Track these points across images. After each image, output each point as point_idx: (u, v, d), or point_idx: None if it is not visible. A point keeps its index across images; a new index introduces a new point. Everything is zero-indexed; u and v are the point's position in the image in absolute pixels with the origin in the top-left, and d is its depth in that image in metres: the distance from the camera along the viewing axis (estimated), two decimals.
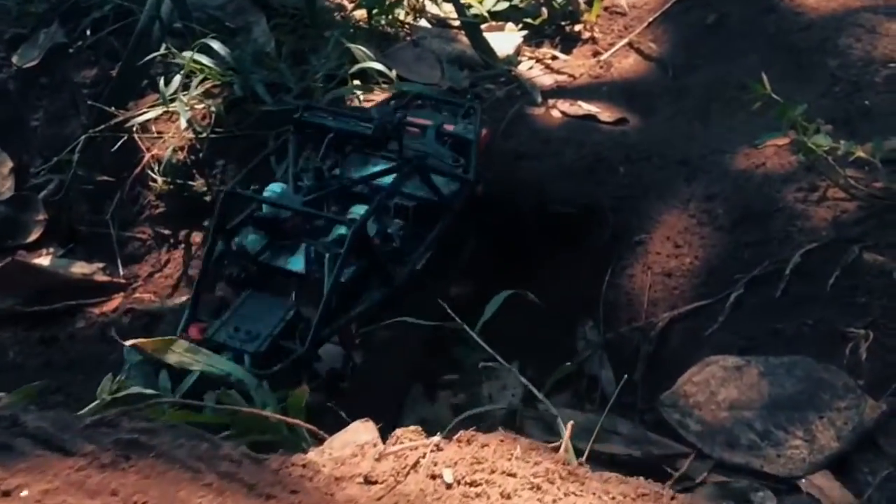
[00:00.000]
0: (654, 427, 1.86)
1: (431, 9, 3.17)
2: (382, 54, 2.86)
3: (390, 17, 3.00)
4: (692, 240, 2.23)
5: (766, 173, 2.28)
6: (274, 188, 1.73)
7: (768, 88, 2.20)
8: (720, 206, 2.26)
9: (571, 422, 1.42)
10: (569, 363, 2.04)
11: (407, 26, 3.08)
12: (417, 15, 3.11)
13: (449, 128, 2.07)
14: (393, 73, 2.73)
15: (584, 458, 1.35)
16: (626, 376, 1.83)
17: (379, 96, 2.70)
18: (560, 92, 2.83)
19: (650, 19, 3.02)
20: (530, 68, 2.99)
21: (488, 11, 3.16)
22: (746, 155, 2.36)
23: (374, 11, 2.97)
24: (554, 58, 3.01)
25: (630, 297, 2.20)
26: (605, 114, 2.65)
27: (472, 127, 2.10)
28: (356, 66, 2.61)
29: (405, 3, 3.03)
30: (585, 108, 2.67)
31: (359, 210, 1.68)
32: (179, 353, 1.48)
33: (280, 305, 1.63)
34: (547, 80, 2.90)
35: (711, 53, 2.78)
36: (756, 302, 2.01)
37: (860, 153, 2.16)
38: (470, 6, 3.13)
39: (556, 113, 2.68)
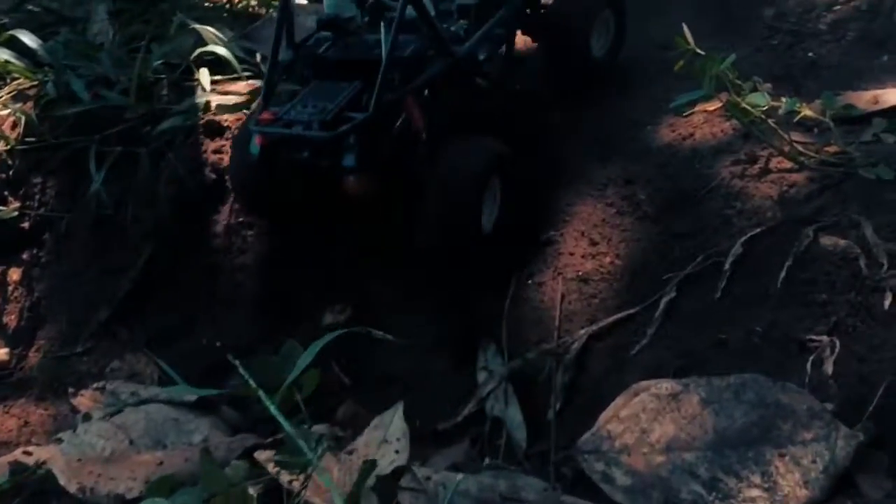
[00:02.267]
0: (573, 484, 1.42)
1: None
2: (241, 35, 2.40)
3: None
4: (611, 234, 1.81)
5: (695, 146, 1.86)
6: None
7: (692, 43, 1.78)
8: (642, 189, 1.84)
9: None
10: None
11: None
12: None
13: None
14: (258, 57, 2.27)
15: None
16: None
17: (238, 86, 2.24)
18: None
19: None
20: None
21: None
22: (671, 126, 1.95)
23: None
24: None
25: (539, 311, 1.76)
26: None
27: None
28: (198, 51, 2.13)
29: None
30: None
31: None
32: None
33: (346, 87, 1.69)
34: None
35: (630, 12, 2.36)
36: (692, 307, 1.59)
37: (806, 112, 1.76)
38: None
39: None
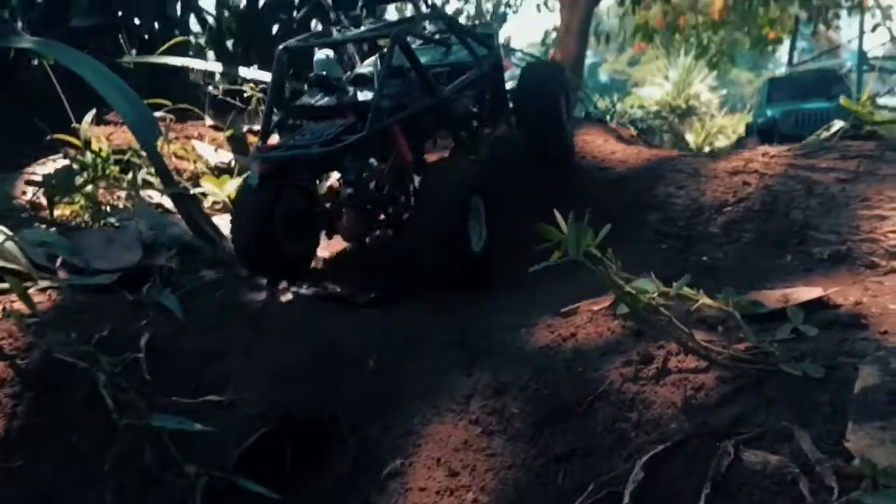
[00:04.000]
0: None
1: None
2: (68, 240, 2.04)
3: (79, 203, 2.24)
4: (475, 461, 1.35)
5: (578, 347, 1.48)
6: (320, 55, 2.07)
7: (563, 229, 1.49)
8: (515, 401, 1.41)
9: None
10: None
11: (107, 207, 2.29)
12: (128, 194, 2.36)
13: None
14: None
15: None
16: None
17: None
18: (310, 273, 2.04)
19: None
20: None
21: (228, 196, 2.44)
22: (549, 327, 1.58)
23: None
24: None
25: None
26: (358, 294, 1.85)
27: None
28: None
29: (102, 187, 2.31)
30: (331, 287, 1.86)
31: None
32: None
33: (339, 122, 1.90)
34: None
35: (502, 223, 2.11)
36: None
37: (706, 301, 1.43)
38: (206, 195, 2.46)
39: (286, 296, 1.86)
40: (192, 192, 2.57)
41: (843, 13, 17.61)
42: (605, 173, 2.25)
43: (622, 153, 2.32)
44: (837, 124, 2.34)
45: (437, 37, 2.30)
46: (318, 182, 2.18)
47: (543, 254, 1.53)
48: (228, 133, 3.18)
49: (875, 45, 20.71)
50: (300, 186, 2.06)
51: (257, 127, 3.34)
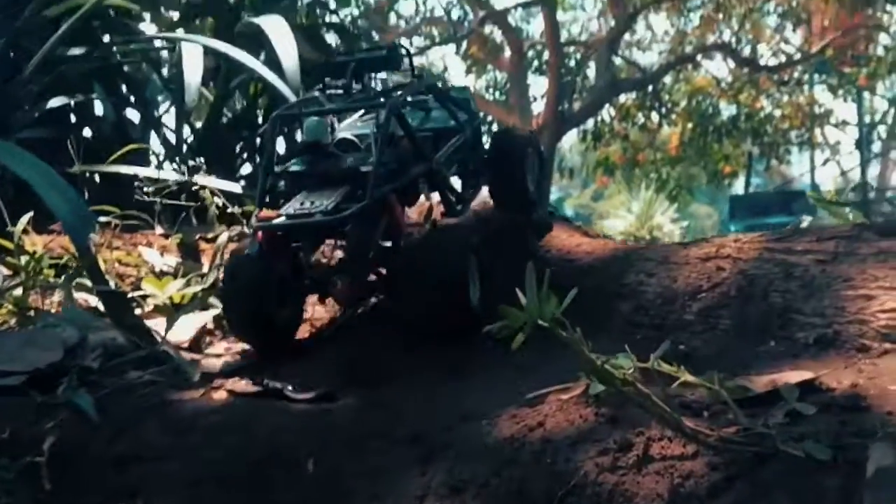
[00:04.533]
0: None
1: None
2: None
3: None
4: None
5: (547, 437, 1.30)
6: (311, 121, 2.08)
7: (534, 312, 1.34)
8: (475, 500, 1.21)
9: None
10: None
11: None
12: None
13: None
14: None
15: None
16: None
17: None
18: (247, 370, 1.84)
19: None
20: (219, 355, 2.03)
21: (170, 298, 2.28)
22: (514, 417, 1.40)
23: None
24: None
25: None
26: (301, 391, 1.65)
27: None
28: None
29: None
30: (273, 384, 1.67)
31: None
32: None
33: (337, 189, 1.94)
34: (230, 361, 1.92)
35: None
36: None
37: (687, 379, 1.27)
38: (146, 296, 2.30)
39: (220, 395, 1.65)
40: (130, 293, 2.40)
41: (794, 149, 18.53)
42: (571, 264, 2.12)
43: (588, 245, 2.21)
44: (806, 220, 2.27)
45: (416, 100, 2.36)
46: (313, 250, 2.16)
47: (506, 340, 1.38)
48: (178, 239, 3.04)
49: (826, 179, 21.67)
50: (293, 258, 2.04)
51: (211, 234, 3.23)
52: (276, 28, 3.16)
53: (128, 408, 1.61)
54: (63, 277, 2.42)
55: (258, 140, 4.57)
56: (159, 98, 4.77)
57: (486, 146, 2.47)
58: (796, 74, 17.16)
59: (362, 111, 2.34)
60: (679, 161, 17.24)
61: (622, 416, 1.29)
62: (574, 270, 2.08)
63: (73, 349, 1.94)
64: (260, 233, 1.91)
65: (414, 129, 2.14)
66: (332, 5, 4.87)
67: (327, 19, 4.84)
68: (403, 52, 2.30)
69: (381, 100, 2.11)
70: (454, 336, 1.84)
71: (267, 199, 2.09)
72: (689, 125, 16.22)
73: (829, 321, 1.61)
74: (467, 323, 1.83)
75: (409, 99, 2.30)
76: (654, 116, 16.33)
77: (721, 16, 15.84)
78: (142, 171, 3.26)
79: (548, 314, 1.19)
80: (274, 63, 3.12)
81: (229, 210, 3.22)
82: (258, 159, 4.38)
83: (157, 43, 4.26)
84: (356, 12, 13.34)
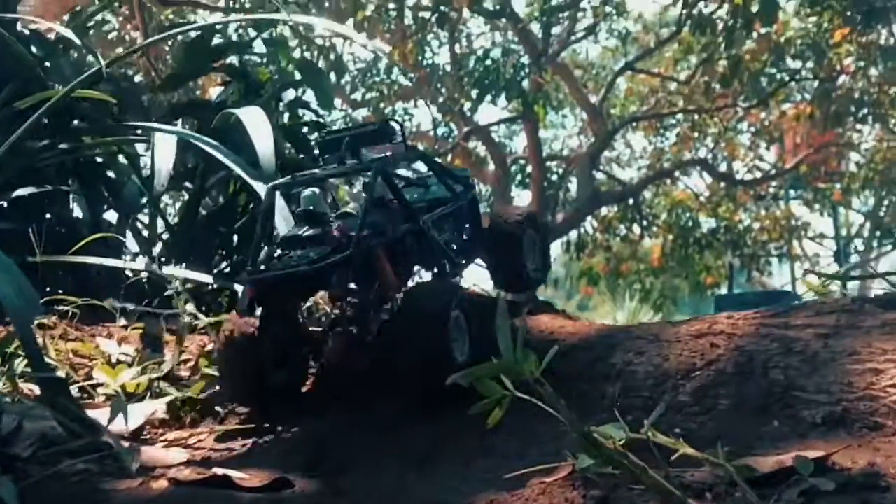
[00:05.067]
0: None
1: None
2: None
3: None
4: None
5: None
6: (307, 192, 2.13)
7: (511, 372, 1.21)
8: None
9: None
10: None
11: None
12: None
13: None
14: None
15: None
16: None
17: None
18: (200, 463, 1.66)
19: None
20: (165, 445, 1.85)
21: (122, 386, 2.11)
22: (490, 503, 1.22)
23: None
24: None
25: None
26: (252, 478, 1.47)
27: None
28: None
29: None
30: (221, 472, 1.48)
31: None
32: None
33: (326, 248, 2.00)
34: (180, 455, 1.73)
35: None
36: None
37: (687, 451, 1.12)
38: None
39: (159, 484, 1.46)
40: (78, 382, 2.22)
41: (774, 261, 18.71)
42: (554, 345, 1.98)
43: (572, 327, 2.08)
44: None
45: (416, 177, 2.44)
46: (303, 307, 2.25)
47: (479, 417, 1.24)
48: (140, 330, 2.88)
49: (807, 291, 21.72)
50: (285, 316, 2.10)
51: (175, 326, 3.07)
52: (252, 117, 3.12)
53: (54, 498, 1.42)
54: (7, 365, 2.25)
55: (235, 237, 4.50)
56: (139, 199, 4.72)
57: (483, 224, 2.48)
58: (772, 189, 17.57)
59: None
60: (662, 272, 17.32)
61: (614, 498, 1.13)
62: (557, 352, 1.93)
63: (6, 437, 1.76)
64: (249, 288, 1.99)
65: (411, 201, 2.20)
66: (314, 105, 4.90)
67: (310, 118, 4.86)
68: (396, 126, 2.35)
69: (371, 165, 2.15)
70: (443, 395, 1.68)
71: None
72: (670, 237, 16.39)
73: (836, 398, 1.47)
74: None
75: (411, 176, 2.40)
76: (636, 228, 16.52)
77: (696, 134, 16.36)
78: (107, 262, 3.13)
79: (526, 373, 1.05)
80: (252, 154, 3.07)
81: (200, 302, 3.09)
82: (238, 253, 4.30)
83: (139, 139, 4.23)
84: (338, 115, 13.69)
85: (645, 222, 16.61)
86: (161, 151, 2.96)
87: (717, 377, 1.64)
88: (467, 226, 2.45)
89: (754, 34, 12.51)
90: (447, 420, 1.65)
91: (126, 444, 1.80)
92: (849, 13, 12.06)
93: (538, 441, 1.55)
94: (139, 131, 3.59)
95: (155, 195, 3.21)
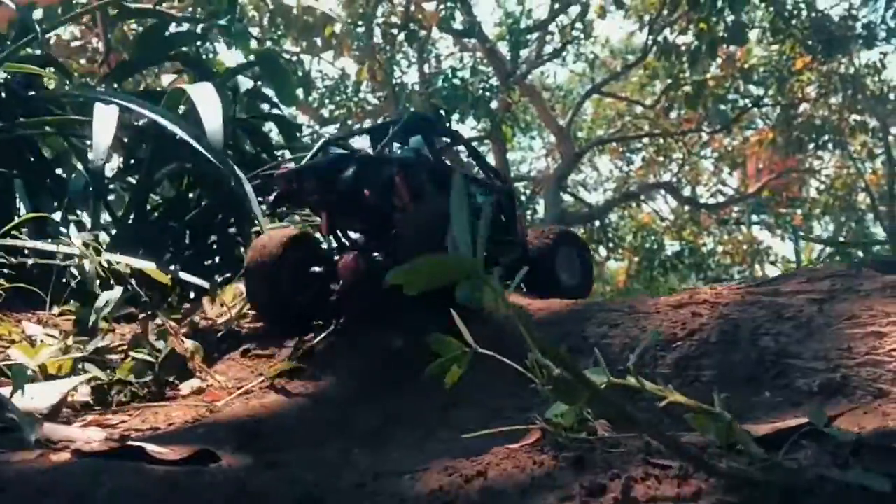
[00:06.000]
0: None
1: None
2: None
3: None
4: None
5: (488, 488, 0.94)
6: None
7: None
8: None
9: None
10: None
11: None
12: None
13: None
14: None
15: None
16: None
17: None
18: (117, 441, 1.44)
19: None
20: (83, 425, 1.63)
21: (41, 366, 1.89)
22: (447, 469, 1.04)
23: None
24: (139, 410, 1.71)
25: None
26: (171, 452, 1.26)
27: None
28: None
29: None
30: (136, 441, 1.28)
31: None
32: None
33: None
34: (98, 434, 1.52)
35: (391, 383, 1.61)
36: None
37: (678, 399, 0.95)
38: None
39: (61, 456, 1.25)
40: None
41: None
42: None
43: (542, 303, 1.91)
44: None
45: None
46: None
47: (440, 392, 1.06)
48: (75, 316, 2.64)
49: None
50: (307, 243, 2.28)
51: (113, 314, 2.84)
52: (201, 92, 2.93)
53: None
54: None
55: (187, 231, 4.26)
56: (84, 190, 4.46)
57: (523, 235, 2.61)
58: (735, 214, 17.72)
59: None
60: (627, 294, 17.30)
61: (591, 458, 0.95)
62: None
63: None
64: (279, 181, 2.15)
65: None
66: (275, 99, 4.70)
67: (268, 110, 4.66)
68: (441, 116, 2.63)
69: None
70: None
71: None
72: (636, 259, 16.40)
73: (834, 364, 1.32)
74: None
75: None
76: (602, 250, 16.51)
77: (661, 158, 16.46)
78: (32, 244, 2.89)
79: (497, 296, 0.88)
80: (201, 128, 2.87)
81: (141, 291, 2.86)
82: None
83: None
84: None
85: (611, 244, 16.61)
86: (100, 123, 2.74)
87: (700, 347, 1.48)
88: (502, 217, 2.58)
89: (718, 59, 12.65)
90: (403, 395, 1.47)
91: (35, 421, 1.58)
92: (810, 42, 12.26)
93: (503, 415, 1.37)
94: (81, 110, 3.35)
95: (92, 168, 2.96)
